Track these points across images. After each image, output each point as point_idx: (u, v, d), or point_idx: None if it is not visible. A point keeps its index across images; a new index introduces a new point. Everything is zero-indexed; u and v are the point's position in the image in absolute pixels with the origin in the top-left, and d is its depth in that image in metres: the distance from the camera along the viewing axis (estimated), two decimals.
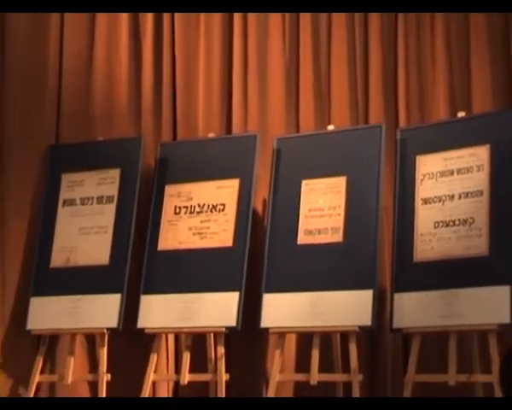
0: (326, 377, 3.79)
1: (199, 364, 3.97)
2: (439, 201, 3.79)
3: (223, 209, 4.05)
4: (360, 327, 3.69)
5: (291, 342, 4.09)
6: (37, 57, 4.46)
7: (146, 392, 3.88)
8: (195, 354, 3.97)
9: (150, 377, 3.91)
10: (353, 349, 3.68)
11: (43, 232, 4.25)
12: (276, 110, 4.35)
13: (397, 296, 3.74)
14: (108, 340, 3.98)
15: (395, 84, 4.29)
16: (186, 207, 4.13)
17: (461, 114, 3.91)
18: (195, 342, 3.97)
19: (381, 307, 3.87)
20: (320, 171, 3.98)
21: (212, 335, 3.98)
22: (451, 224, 3.72)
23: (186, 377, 3.88)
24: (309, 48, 4.38)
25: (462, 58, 4.23)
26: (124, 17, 4.49)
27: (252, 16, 4.42)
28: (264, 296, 3.88)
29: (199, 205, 4.11)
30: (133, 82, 4.47)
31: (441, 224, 3.75)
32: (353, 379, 3.64)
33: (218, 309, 3.88)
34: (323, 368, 3.77)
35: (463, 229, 3.68)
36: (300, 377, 3.90)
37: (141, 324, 3.99)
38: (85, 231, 4.18)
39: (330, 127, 4.14)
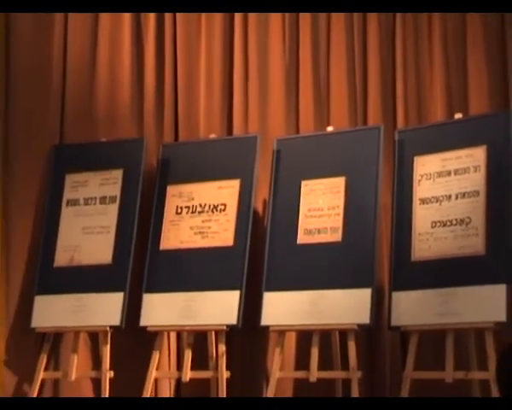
0: (325, 374, 3.80)
1: (200, 361, 3.99)
2: (437, 201, 3.81)
3: (224, 209, 4.07)
4: (359, 325, 3.71)
5: (291, 339, 4.10)
6: (42, 58, 4.47)
7: (148, 389, 3.90)
8: (197, 351, 3.98)
9: (152, 374, 3.93)
10: (352, 347, 3.70)
11: (47, 232, 4.27)
12: (276, 112, 4.37)
13: (395, 295, 3.77)
14: (111, 338, 3.99)
15: (393, 87, 4.31)
16: (188, 207, 4.15)
17: (458, 116, 3.93)
18: (197, 340, 3.99)
19: (380, 306, 3.90)
20: (319, 171, 4.00)
21: (213, 333, 3.99)
22: (448, 223, 3.75)
23: (188, 375, 3.90)
24: (308, 50, 4.40)
25: (459, 60, 4.25)
26: (126, 20, 4.50)
27: (252, 17, 4.43)
28: (265, 295, 3.90)
29: (200, 205, 4.13)
30: (135, 84, 4.48)
31: (438, 223, 3.77)
32: (352, 376, 3.66)
33: (219, 307, 3.89)
34: (323, 366, 3.79)
35: (460, 228, 3.70)
36: (300, 374, 3.91)
37: (143, 322, 4.01)
38: (89, 230, 4.20)
39: (329, 129, 4.16)
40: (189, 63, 4.49)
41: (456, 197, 3.77)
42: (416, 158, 3.90)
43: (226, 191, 4.09)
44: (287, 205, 4.02)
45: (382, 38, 4.34)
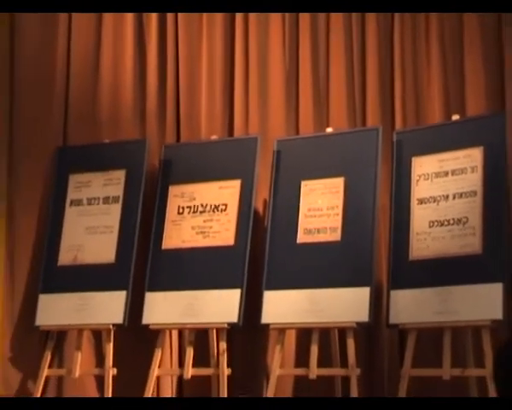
0: (325, 371, 3.82)
1: (202, 359, 4.01)
2: (434, 201, 3.84)
3: (225, 209, 4.10)
4: (358, 323, 3.74)
5: (291, 337, 4.12)
6: (46, 61, 4.52)
7: (150, 386, 3.93)
8: (198, 349, 4.01)
9: (155, 371, 3.96)
10: (351, 345, 3.72)
11: (51, 231, 4.30)
12: (276, 113, 4.40)
13: (393, 293, 3.79)
14: (114, 335, 4.03)
15: (391, 89, 4.32)
16: (189, 207, 4.18)
17: (455, 117, 3.96)
18: (198, 338, 4.02)
19: (378, 304, 3.92)
20: (319, 172, 4.02)
21: (214, 331, 4.01)
22: (446, 223, 3.77)
23: (189, 372, 3.93)
24: (308, 52, 4.42)
25: (456, 61, 4.25)
26: (129, 23, 4.54)
27: (252, 18, 4.45)
28: (265, 293, 3.93)
29: (202, 205, 4.15)
30: (138, 86, 4.52)
31: (436, 223, 3.80)
32: (351, 373, 3.69)
33: (220, 306, 3.92)
34: (322, 363, 3.81)
35: (457, 228, 3.73)
36: (300, 371, 3.94)
37: (146, 320, 4.04)
38: (92, 230, 4.23)
39: (329, 130, 4.18)
40: (191, 65, 4.52)
41: (454, 197, 3.79)
42: (413, 159, 3.92)
43: (227, 191, 4.12)
44: (287, 205, 4.04)
45: (381, 40, 4.36)
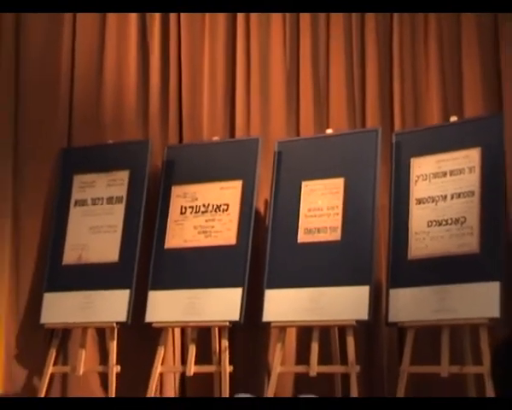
0: (325, 368, 3.85)
1: (204, 356, 4.05)
2: (433, 201, 3.87)
3: (226, 209, 4.13)
4: (357, 321, 3.77)
5: (291, 335, 4.16)
6: (50, 64, 4.55)
7: (153, 383, 3.97)
8: (201, 346, 4.04)
9: (157, 368, 3.99)
10: (351, 342, 3.76)
11: (55, 231, 4.34)
12: (277, 115, 4.43)
13: (392, 292, 3.82)
14: (118, 333, 4.06)
15: (391, 90, 4.35)
16: (192, 207, 4.21)
17: (453, 119, 3.99)
18: (200, 336, 4.05)
19: (378, 303, 3.95)
20: (319, 173, 4.05)
21: (216, 329, 4.05)
22: (444, 223, 3.81)
23: (192, 369, 3.96)
24: (308, 55, 4.45)
25: (454, 62, 4.27)
26: (132, 25, 4.57)
27: (253, 19, 4.48)
28: (266, 292, 3.96)
29: (204, 205, 4.19)
30: (141, 88, 4.55)
31: (434, 223, 3.83)
32: (351, 371, 3.72)
33: (222, 304, 3.95)
34: (322, 360, 3.84)
35: (455, 228, 3.76)
36: (300, 368, 3.97)
37: (149, 318, 4.07)
38: (96, 229, 4.27)
39: (329, 131, 4.21)
40: (193, 67, 4.55)
41: (452, 197, 3.83)
42: (412, 159, 3.96)
43: (229, 192, 4.15)
44: (287, 205, 4.07)
45: (380, 42, 4.38)
